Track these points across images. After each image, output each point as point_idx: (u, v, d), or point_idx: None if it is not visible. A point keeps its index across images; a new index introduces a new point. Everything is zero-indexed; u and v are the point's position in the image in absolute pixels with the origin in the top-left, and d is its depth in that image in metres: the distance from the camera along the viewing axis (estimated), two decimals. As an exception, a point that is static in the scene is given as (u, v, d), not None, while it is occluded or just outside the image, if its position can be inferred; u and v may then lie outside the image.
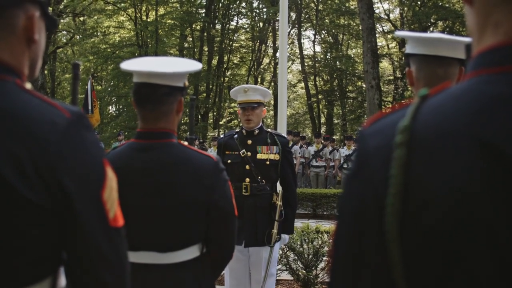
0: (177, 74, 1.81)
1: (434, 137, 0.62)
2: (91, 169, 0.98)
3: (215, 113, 23.94)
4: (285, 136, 3.90)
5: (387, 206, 0.63)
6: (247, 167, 3.50)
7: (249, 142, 3.56)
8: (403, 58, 21.39)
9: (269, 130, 3.69)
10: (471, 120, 0.61)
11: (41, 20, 1.06)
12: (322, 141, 13.54)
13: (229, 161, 3.50)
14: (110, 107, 26.87)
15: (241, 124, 3.68)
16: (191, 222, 1.83)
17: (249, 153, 3.51)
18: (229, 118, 25.13)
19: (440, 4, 19.76)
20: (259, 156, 3.56)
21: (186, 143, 1.94)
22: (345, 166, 12.58)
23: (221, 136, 3.85)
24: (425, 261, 0.62)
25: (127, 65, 1.80)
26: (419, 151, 0.63)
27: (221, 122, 24.58)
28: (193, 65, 1.89)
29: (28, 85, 1.01)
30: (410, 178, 0.62)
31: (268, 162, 3.55)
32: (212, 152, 9.99)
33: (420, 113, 0.65)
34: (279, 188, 3.60)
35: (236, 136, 3.62)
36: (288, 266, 5.01)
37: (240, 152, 3.52)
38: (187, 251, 1.84)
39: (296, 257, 5.06)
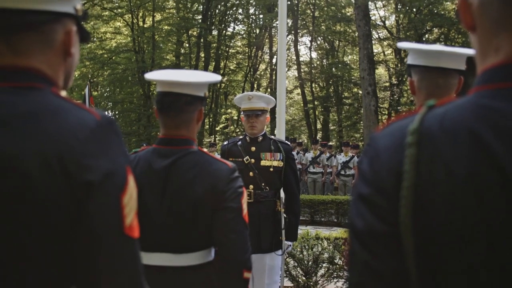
0: (198, 84, 1.92)
1: (439, 138, 0.72)
2: (114, 171, 0.98)
3: (211, 119, 23.93)
4: (289, 143, 3.89)
5: (402, 198, 0.73)
6: (251, 173, 3.51)
7: (253, 149, 3.58)
8: (399, 65, 21.52)
9: (272, 137, 3.70)
10: (472, 126, 0.71)
11: (76, 34, 1.10)
12: (319, 148, 13.56)
13: None
14: (106, 113, 26.77)
15: (243, 131, 3.70)
16: (205, 226, 1.88)
17: (252, 160, 3.53)
18: (225, 124, 25.12)
19: (435, 11, 19.88)
20: (262, 163, 3.58)
21: (205, 149, 1.99)
22: (342, 172, 12.61)
23: (224, 142, 3.85)
24: (432, 251, 0.71)
25: (152, 75, 1.92)
26: (427, 150, 0.73)
27: (217, 128, 24.57)
28: (213, 77, 2.01)
29: (63, 93, 1.05)
30: (420, 173, 0.72)
31: (272, 169, 3.56)
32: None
33: (427, 119, 0.76)
34: (282, 195, 3.61)
35: (239, 143, 3.64)
36: (288, 272, 5.01)
37: (244, 159, 3.53)
38: (201, 254, 1.89)
39: (296, 264, 5.06)
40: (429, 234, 0.71)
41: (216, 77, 2.03)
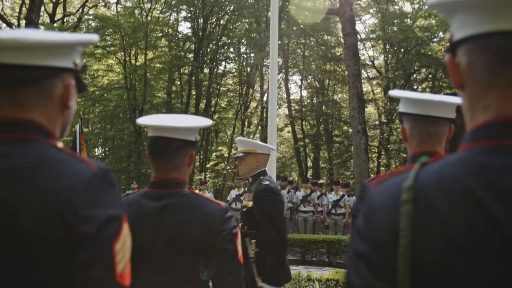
0: (189, 129, 1.95)
1: (434, 195, 0.74)
2: (109, 220, 1.02)
3: (201, 156, 23.89)
4: (268, 182, 3.63)
5: (399, 256, 0.74)
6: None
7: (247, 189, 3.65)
8: (388, 104, 21.78)
9: (262, 177, 3.64)
10: (466, 183, 0.73)
11: (75, 87, 1.15)
12: (310, 186, 13.51)
13: None
14: (97, 149, 26.73)
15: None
16: (199, 266, 1.87)
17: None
18: (216, 161, 25.07)
19: (423, 52, 20.30)
20: (243, 203, 3.66)
21: (197, 191, 1.97)
22: (333, 211, 12.54)
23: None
24: None
25: (144, 120, 1.95)
26: (422, 207, 0.74)
27: (207, 165, 24.50)
28: (204, 122, 2.05)
29: (60, 144, 1.10)
30: (416, 230, 0.73)
31: (245, 209, 3.60)
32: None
33: (420, 176, 0.78)
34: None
35: None
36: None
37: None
38: None
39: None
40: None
41: (207, 122, 2.06)
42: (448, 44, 0.84)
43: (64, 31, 19.83)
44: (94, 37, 1.15)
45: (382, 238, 0.77)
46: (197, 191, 2.04)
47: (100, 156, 25.96)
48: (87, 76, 24.14)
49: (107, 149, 25.62)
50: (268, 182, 3.58)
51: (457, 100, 1.83)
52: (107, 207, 1.03)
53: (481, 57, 0.78)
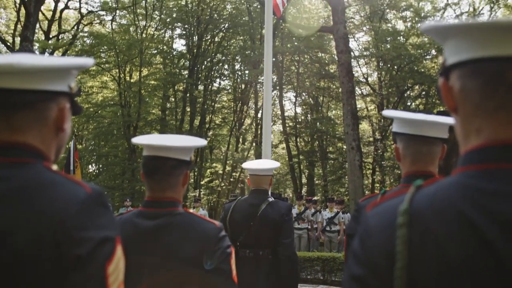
0: (184, 148, 1.95)
1: (429, 219, 0.75)
2: (102, 242, 1.03)
3: (196, 173, 23.82)
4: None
5: (395, 279, 0.75)
6: None
7: None
8: (382, 120, 21.88)
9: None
10: (460, 206, 0.73)
11: (69, 110, 1.16)
12: (304, 203, 13.45)
13: None
14: (91, 166, 26.63)
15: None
16: (194, 285, 1.85)
17: None
18: (210, 178, 25.00)
19: (416, 69, 20.48)
20: None
21: (191, 210, 1.96)
22: (327, 228, 12.49)
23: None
24: None
25: (139, 140, 1.96)
26: (418, 231, 0.75)
27: (202, 182, 24.42)
28: (199, 141, 2.05)
29: (54, 167, 1.12)
30: (412, 253, 0.74)
31: None
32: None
33: (415, 199, 0.79)
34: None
35: None
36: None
37: None
38: None
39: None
40: None
41: (202, 142, 2.07)
42: (441, 68, 0.86)
43: (59, 48, 19.93)
44: (89, 61, 1.16)
45: (377, 261, 0.78)
46: (191, 210, 2.03)
47: (94, 173, 25.86)
48: (81, 93, 24.10)
49: (101, 166, 25.54)
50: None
51: (449, 120, 1.85)
52: (101, 229, 1.04)
53: (474, 82, 0.79)
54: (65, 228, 0.99)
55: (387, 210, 0.82)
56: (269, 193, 3.67)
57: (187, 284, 1.85)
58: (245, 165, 3.81)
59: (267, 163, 3.83)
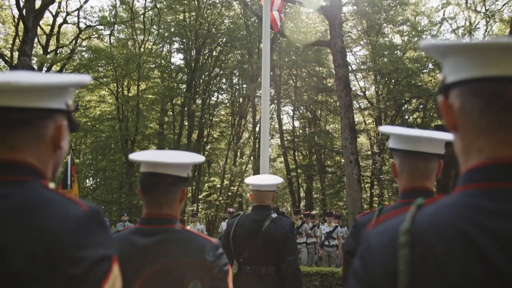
0: (182, 165, 1.94)
1: (431, 238, 0.75)
2: (98, 260, 1.02)
3: (193, 187, 23.75)
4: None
5: None
6: None
7: None
8: (380, 134, 21.90)
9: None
10: (461, 226, 0.74)
11: (67, 128, 1.16)
12: (301, 217, 13.36)
13: None
14: (88, 180, 26.54)
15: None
16: None
17: None
18: (208, 192, 24.93)
19: (413, 82, 20.57)
20: None
21: (188, 227, 1.94)
22: (326, 243, 12.42)
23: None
24: None
25: (136, 156, 1.93)
26: (419, 250, 0.75)
27: (200, 196, 24.35)
28: (197, 158, 2.03)
29: (52, 185, 1.11)
30: (414, 273, 0.74)
31: None
32: (191, 228, 9.79)
33: (417, 218, 0.79)
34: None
35: None
36: None
37: None
38: None
39: None
40: None
41: (200, 158, 2.05)
42: (441, 85, 0.85)
43: (57, 63, 19.97)
44: (86, 78, 1.16)
45: (378, 280, 0.78)
46: (188, 227, 2.01)
47: (92, 187, 25.78)
48: (79, 108, 24.13)
49: (98, 180, 25.48)
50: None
51: (446, 136, 1.85)
52: (97, 247, 1.03)
53: (473, 101, 0.79)
54: (61, 246, 0.98)
55: (388, 229, 0.82)
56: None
57: None
58: (248, 180, 3.78)
59: (270, 179, 3.81)
